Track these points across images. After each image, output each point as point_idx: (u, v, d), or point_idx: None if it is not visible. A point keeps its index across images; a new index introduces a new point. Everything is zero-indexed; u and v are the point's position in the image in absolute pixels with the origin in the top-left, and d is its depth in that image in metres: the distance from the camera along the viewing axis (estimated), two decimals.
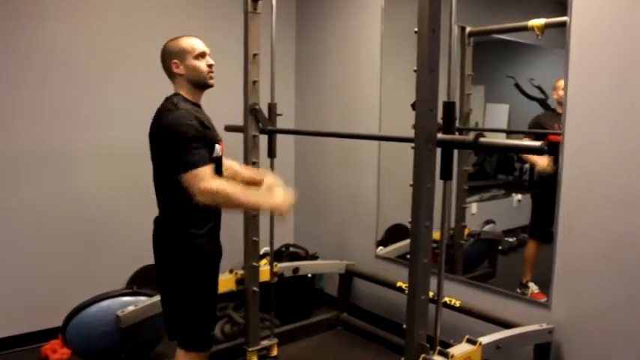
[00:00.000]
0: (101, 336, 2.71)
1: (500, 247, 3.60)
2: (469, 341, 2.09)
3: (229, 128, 3.07)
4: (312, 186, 4.14)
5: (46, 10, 3.15)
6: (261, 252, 3.90)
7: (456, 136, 1.83)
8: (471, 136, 1.76)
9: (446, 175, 1.91)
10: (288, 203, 2.09)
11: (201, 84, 2.15)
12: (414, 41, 1.78)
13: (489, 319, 2.69)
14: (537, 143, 1.60)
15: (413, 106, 1.84)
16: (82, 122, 3.32)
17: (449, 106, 1.89)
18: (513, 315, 2.67)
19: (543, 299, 2.72)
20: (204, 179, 1.95)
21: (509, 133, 3.48)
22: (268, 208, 2.15)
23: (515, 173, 3.70)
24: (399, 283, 3.15)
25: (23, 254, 3.19)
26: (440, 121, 1.87)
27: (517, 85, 3.30)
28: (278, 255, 3.81)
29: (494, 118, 3.56)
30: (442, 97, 1.88)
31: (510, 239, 3.58)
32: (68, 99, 3.26)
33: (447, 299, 2.86)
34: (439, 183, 1.89)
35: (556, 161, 2.55)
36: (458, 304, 2.82)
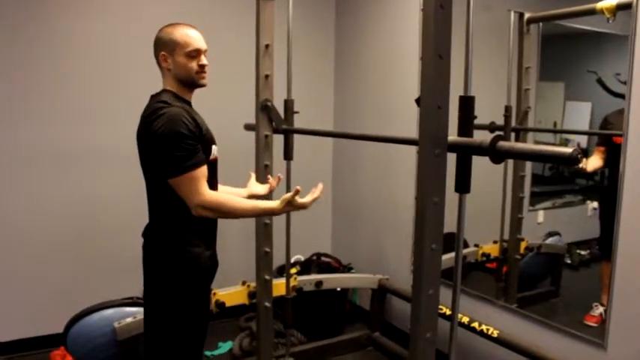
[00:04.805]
0: (100, 347, 2.56)
1: (569, 262, 3.17)
2: None
3: (249, 127, 2.84)
4: (349, 192, 3.86)
5: (59, 9, 3.11)
6: (292, 260, 3.68)
7: (471, 139, 1.47)
8: (488, 139, 1.40)
9: (462, 187, 1.55)
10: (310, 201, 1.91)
11: (189, 83, 1.94)
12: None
13: (530, 355, 2.28)
14: (567, 150, 1.22)
15: (417, 101, 1.50)
16: (91, 123, 3.26)
17: (466, 102, 1.53)
18: (559, 354, 2.25)
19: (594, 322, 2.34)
20: (197, 191, 1.79)
21: (589, 134, 3.10)
22: (284, 210, 1.93)
23: (595, 177, 3.26)
24: None
25: (33, 257, 3.16)
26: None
27: (600, 81, 2.90)
28: (307, 265, 3.55)
29: (575, 118, 3.19)
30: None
31: (582, 252, 3.14)
32: (78, 98, 3.21)
33: (484, 327, 2.50)
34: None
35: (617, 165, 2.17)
36: (495, 334, 2.44)
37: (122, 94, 3.26)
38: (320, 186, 1.96)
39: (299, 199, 1.89)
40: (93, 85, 3.23)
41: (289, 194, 1.89)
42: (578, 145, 3.12)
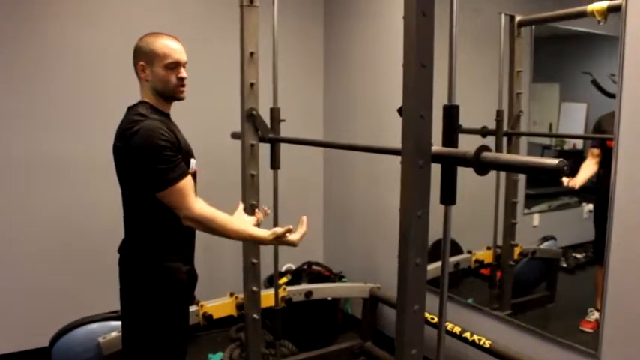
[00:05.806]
0: None
1: (565, 265, 3.12)
2: None
3: (236, 136, 2.79)
4: (341, 199, 3.80)
5: (51, 12, 3.06)
6: (283, 269, 3.64)
7: (455, 150, 1.43)
8: (472, 150, 1.35)
9: (447, 198, 1.51)
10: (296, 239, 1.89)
11: (167, 96, 1.90)
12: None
13: None
14: (554, 162, 1.18)
15: (399, 111, 1.46)
16: (84, 131, 3.18)
17: (450, 111, 1.49)
18: None
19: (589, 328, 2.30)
20: (188, 203, 1.76)
21: (581, 138, 3.05)
22: (272, 242, 1.90)
23: (592, 179, 3.23)
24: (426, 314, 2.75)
25: (23, 268, 3.09)
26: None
27: (594, 82, 2.88)
28: (298, 274, 3.50)
29: (570, 119, 3.14)
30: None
31: (578, 255, 3.10)
32: (70, 106, 3.14)
33: (475, 337, 2.44)
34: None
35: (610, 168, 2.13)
36: (487, 344, 2.38)
37: (116, 103, 3.17)
38: (304, 219, 1.93)
39: (289, 236, 1.87)
40: (87, 92, 3.18)
41: (280, 230, 1.87)
42: (574, 146, 3.08)
